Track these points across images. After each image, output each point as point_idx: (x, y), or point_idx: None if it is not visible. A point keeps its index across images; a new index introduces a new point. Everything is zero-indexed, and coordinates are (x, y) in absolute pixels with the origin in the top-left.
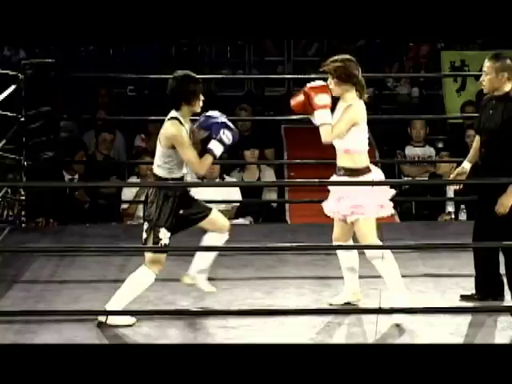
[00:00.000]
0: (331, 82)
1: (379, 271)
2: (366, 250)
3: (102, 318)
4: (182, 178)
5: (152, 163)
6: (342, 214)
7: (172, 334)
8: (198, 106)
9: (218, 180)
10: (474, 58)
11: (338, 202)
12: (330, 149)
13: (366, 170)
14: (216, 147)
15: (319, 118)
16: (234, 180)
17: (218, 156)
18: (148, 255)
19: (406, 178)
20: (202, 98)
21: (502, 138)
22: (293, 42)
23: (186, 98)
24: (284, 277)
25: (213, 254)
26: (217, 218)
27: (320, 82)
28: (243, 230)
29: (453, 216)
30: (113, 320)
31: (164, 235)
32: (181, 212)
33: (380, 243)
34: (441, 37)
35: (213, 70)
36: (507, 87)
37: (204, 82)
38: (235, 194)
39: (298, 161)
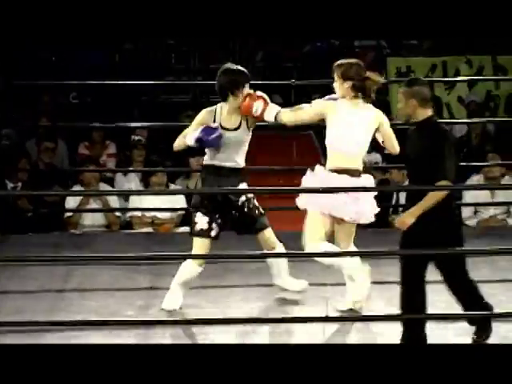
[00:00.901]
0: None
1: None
2: None
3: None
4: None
5: (95, 171)
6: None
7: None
8: (234, 100)
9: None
10: (419, 64)
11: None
12: (279, 156)
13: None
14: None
15: (268, 117)
16: (179, 188)
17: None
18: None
19: None
20: (244, 90)
21: (423, 167)
22: (238, 48)
23: (229, 89)
24: (230, 285)
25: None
26: (268, 237)
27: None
28: (188, 237)
29: None
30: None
31: (199, 219)
32: (234, 212)
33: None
34: (386, 35)
35: (157, 77)
36: (424, 113)
37: (148, 89)
38: (180, 201)
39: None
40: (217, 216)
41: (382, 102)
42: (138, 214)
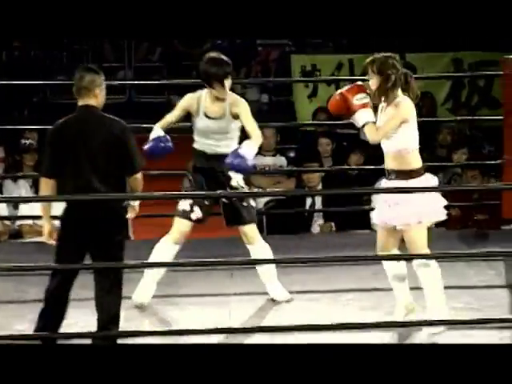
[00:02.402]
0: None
1: (422, 280)
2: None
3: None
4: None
5: None
6: (397, 222)
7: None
8: (220, 90)
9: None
10: (325, 63)
11: (390, 208)
12: (179, 159)
13: (421, 171)
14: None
15: (361, 117)
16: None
17: None
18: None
19: (256, 190)
20: (225, 83)
21: None
22: (133, 47)
23: (219, 79)
24: (131, 296)
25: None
26: (253, 231)
27: (357, 83)
28: None
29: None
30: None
31: (182, 201)
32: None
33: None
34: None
35: (47, 76)
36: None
37: (39, 89)
38: None
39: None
40: (204, 201)
41: (286, 102)
42: (29, 222)
